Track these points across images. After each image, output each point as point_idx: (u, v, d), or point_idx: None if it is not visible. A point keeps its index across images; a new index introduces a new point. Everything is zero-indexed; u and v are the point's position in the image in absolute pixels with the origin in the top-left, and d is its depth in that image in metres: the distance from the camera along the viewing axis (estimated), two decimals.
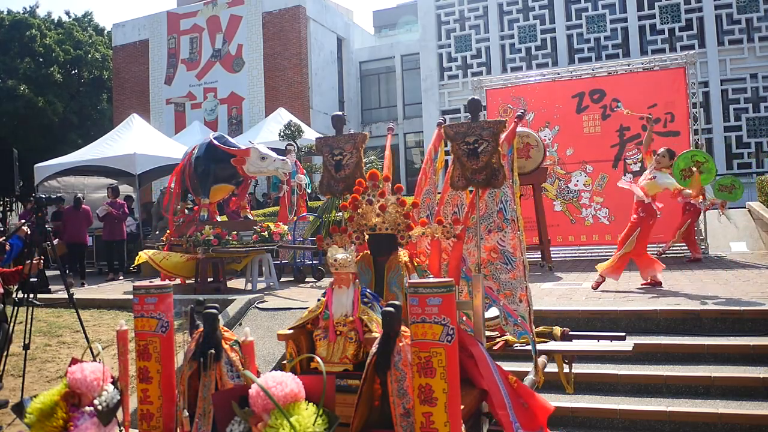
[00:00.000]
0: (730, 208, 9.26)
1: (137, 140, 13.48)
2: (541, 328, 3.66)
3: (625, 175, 9.50)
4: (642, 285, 6.84)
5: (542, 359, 3.41)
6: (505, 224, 2.87)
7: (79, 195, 12.23)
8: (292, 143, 12.20)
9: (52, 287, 8.76)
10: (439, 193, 3.30)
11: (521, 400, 2.58)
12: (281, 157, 8.27)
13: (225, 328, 2.25)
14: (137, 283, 2.32)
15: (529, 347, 3.48)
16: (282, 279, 9.12)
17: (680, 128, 10.01)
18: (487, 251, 2.88)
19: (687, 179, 6.72)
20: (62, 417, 1.96)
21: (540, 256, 9.23)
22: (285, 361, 2.67)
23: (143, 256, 8.02)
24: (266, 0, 22.48)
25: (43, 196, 5.58)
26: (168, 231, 8.74)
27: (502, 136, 2.88)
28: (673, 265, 8.66)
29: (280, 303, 6.80)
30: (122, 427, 2.10)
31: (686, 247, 9.48)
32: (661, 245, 9.36)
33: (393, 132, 3.77)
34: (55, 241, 6.24)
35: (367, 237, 2.76)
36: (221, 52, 23.09)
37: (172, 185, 8.72)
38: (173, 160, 12.25)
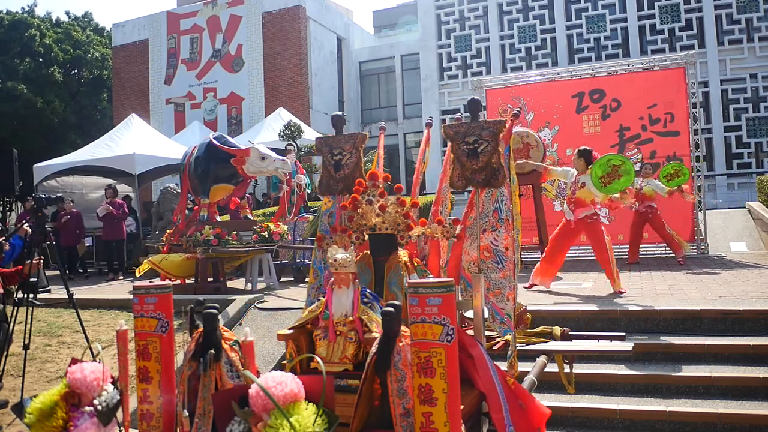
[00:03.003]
0: (730, 207, 9.27)
1: (136, 140, 13.47)
2: (541, 328, 3.66)
3: None
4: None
5: (542, 359, 3.41)
6: (499, 224, 2.85)
7: (69, 200, 12.17)
8: (292, 143, 12.19)
9: (52, 287, 8.75)
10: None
11: (519, 402, 2.58)
12: (281, 157, 8.26)
13: (225, 328, 2.25)
14: (137, 283, 2.32)
15: (528, 347, 3.49)
16: (282, 279, 9.12)
17: (680, 128, 10.02)
18: (481, 251, 2.87)
19: (607, 186, 6.21)
20: (62, 417, 1.95)
21: (540, 256, 9.21)
22: (285, 361, 2.67)
23: (147, 264, 8.01)
24: (266, 0, 22.48)
25: (43, 195, 5.57)
26: (168, 231, 8.73)
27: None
28: (673, 265, 8.66)
29: (280, 303, 6.80)
30: (122, 427, 2.09)
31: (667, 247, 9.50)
32: (652, 245, 9.36)
33: (385, 131, 3.75)
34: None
35: (366, 237, 2.76)
36: (221, 52, 23.08)
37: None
38: (172, 161, 12.25)
